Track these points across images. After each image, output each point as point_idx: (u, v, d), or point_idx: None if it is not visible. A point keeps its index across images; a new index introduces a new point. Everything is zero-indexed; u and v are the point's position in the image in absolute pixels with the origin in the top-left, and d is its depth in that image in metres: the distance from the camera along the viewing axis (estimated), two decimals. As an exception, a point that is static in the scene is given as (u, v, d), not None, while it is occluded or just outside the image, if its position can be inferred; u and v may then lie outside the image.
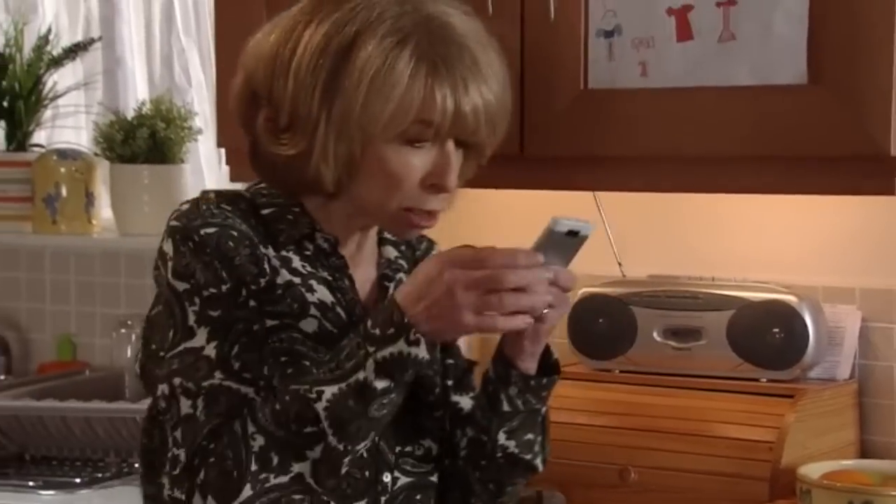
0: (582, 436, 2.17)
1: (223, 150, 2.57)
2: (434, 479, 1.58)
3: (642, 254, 2.39)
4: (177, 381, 1.42)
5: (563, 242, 1.39)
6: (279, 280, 1.47)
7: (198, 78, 2.95)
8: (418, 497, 1.55)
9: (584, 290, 2.28)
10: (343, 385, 1.38)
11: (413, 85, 1.42)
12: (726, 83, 2.03)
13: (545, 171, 2.15)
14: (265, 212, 1.50)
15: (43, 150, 2.92)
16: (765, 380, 2.17)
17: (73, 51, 2.93)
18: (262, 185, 1.53)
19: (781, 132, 2.00)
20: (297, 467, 1.38)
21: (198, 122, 2.84)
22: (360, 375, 1.37)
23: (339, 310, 1.50)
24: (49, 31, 2.94)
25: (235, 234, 1.45)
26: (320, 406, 1.37)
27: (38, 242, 2.92)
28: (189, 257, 1.43)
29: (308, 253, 1.50)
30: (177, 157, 2.79)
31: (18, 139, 2.94)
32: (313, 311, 1.48)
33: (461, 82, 1.43)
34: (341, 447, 1.38)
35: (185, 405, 1.41)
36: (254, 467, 1.38)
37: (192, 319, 1.43)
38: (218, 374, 1.42)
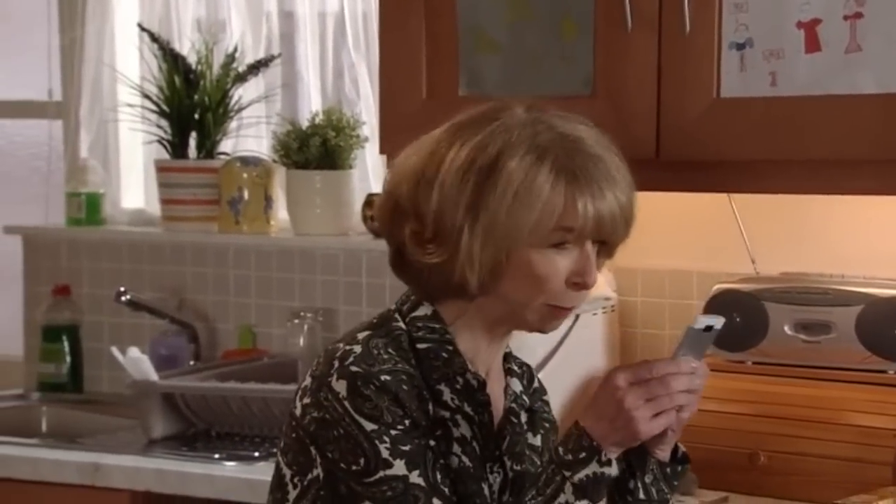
0: (715, 421, 2.20)
1: (385, 157, 2.64)
2: None
3: (775, 252, 2.41)
4: None
5: (700, 337, 1.48)
6: (434, 416, 1.53)
7: (365, 90, 2.99)
8: None
9: (718, 286, 2.32)
10: None
11: (554, 195, 1.49)
12: (852, 91, 2.05)
13: (680, 173, 2.19)
14: (420, 346, 1.55)
15: (228, 158, 3.00)
16: (892, 371, 2.17)
17: (256, 67, 3.01)
18: (417, 313, 1.57)
19: (906, 137, 2.02)
20: None
21: (365, 131, 2.88)
22: (562, 499, 1.46)
23: (475, 444, 1.55)
24: (235, 49, 3.02)
25: (405, 377, 1.50)
26: None
27: (223, 241, 2.99)
28: (375, 399, 1.49)
29: (458, 387, 1.55)
30: (346, 163, 2.86)
31: (207, 148, 3.02)
32: (455, 447, 1.53)
33: (598, 189, 1.50)
34: None
35: None
36: None
37: (385, 454, 1.48)
38: (437, 501, 1.48)
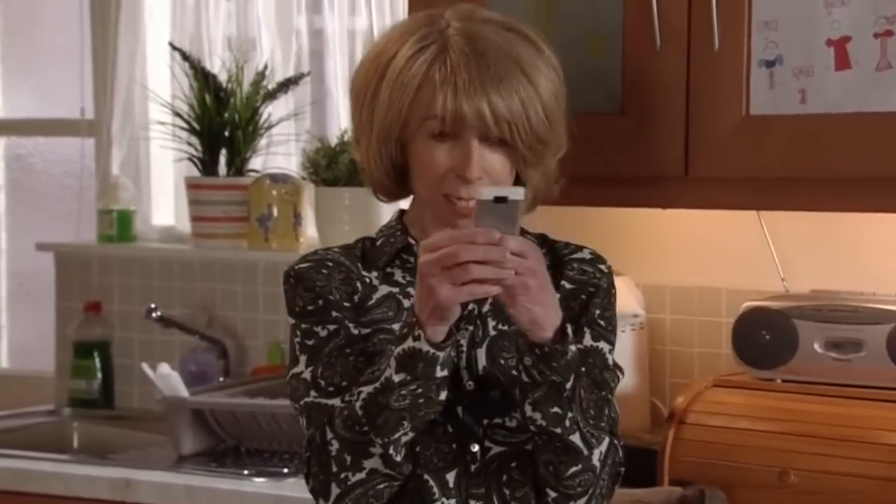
0: (744, 439, 2.18)
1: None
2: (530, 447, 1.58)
3: (805, 269, 2.39)
4: (292, 403, 1.58)
5: (498, 210, 1.43)
6: (377, 294, 1.59)
7: (394, 108, 3.02)
8: (514, 464, 1.58)
9: (747, 304, 2.30)
10: (377, 384, 1.49)
11: (424, 85, 1.53)
12: (883, 109, 2.04)
13: (708, 191, 2.18)
14: (379, 241, 1.64)
15: (258, 175, 3.00)
16: (923, 390, 2.16)
17: (286, 84, 3.01)
18: (384, 224, 1.67)
19: (937, 154, 2.00)
20: (367, 463, 1.50)
21: (393, 149, 2.91)
22: (387, 373, 1.48)
23: None
24: (265, 67, 3.03)
25: (330, 264, 1.59)
26: (358, 405, 1.49)
27: (252, 258, 3.00)
28: (291, 293, 1.60)
29: (409, 265, 1.61)
30: (375, 180, 2.89)
31: (237, 165, 3.03)
32: (405, 315, 1.56)
33: (463, 86, 1.51)
34: (379, 440, 1.49)
35: (301, 422, 1.57)
36: (334, 469, 1.50)
37: (297, 349, 1.59)
38: (312, 393, 1.56)
